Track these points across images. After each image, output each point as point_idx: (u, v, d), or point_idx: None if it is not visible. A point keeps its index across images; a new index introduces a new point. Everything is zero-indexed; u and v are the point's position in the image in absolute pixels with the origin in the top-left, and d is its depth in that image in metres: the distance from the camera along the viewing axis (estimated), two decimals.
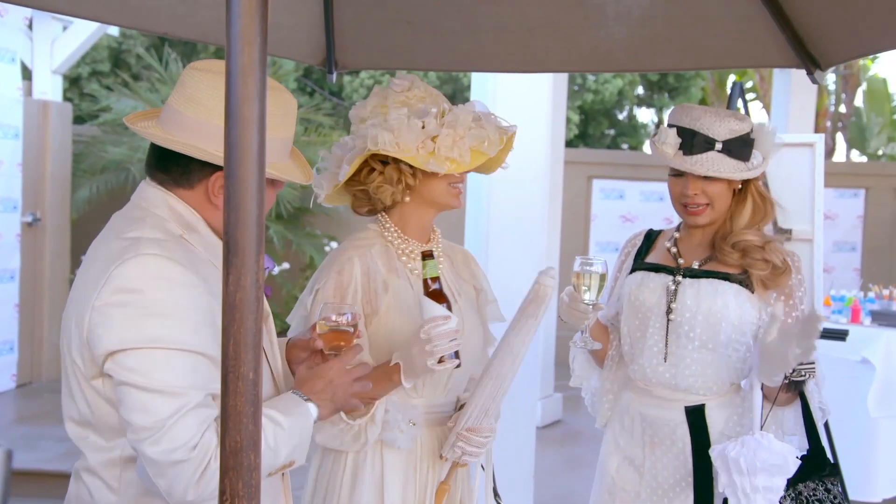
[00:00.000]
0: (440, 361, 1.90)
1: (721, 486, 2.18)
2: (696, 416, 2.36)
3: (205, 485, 1.47)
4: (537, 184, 4.48)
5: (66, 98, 8.54)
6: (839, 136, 14.57)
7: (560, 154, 6.51)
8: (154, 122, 1.66)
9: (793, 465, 2.14)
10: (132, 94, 8.24)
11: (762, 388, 2.25)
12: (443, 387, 2.13)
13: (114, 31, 10.38)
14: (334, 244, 7.95)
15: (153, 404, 1.46)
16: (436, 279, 1.97)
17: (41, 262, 7.24)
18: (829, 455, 2.36)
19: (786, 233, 3.56)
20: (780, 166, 3.29)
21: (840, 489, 2.31)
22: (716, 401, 2.37)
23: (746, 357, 2.35)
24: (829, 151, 13.73)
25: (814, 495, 2.27)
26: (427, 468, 2.12)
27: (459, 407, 2.16)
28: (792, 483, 2.20)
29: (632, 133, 14.59)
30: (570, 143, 12.06)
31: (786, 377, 2.17)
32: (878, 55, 10.88)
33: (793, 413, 2.34)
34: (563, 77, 6.26)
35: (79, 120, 9.74)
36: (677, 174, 2.37)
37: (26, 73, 7.29)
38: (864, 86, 14.20)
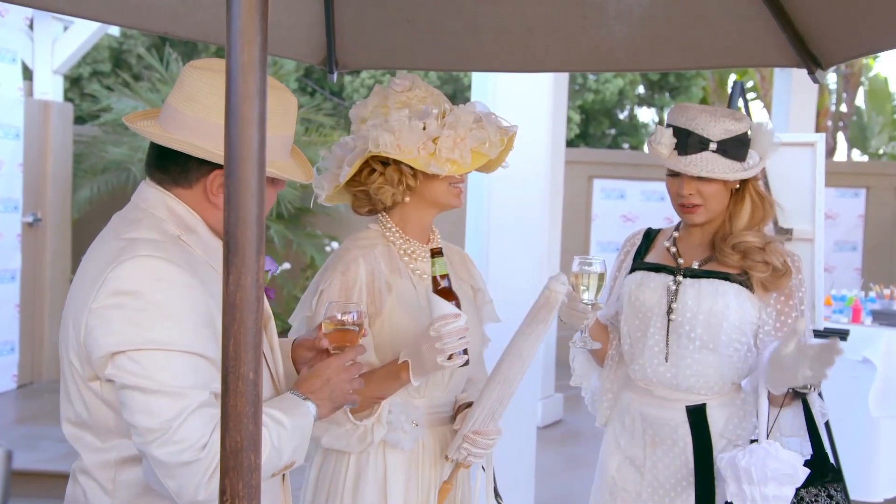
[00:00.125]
0: (449, 359, 1.90)
1: (730, 495, 2.17)
2: (697, 416, 2.36)
3: (215, 484, 1.46)
4: (538, 183, 4.47)
5: (66, 98, 8.54)
6: (840, 136, 14.57)
7: (561, 154, 6.50)
8: (153, 121, 1.66)
9: (802, 474, 2.14)
10: (133, 94, 8.25)
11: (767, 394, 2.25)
12: (444, 386, 2.13)
13: (114, 31, 10.38)
14: (335, 244, 7.95)
15: (157, 406, 1.46)
16: (445, 276, 1.97)
17: (42, 263, 7.24)
18: (830, 457, 2.35)
19: (786, 232, 3.55)
20: (780, 166, 3.28)
21: (842, 495, 2.30)
22: (717, 400, 2.37)
23: (747, 357, 2.35)
24: (830, 151, 13.73)
25: (815, 501, 2.26)
26: (429, 468, 2.12)
27: (459, 407, 2.16)
28: None
29: (632, 133, 14.59)
30: (570, 143, 12.05)
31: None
32: (879, 54, 10.87)
33: (791, 413, 2.34)
34: (564, 77, 6.25)
35: (79, 120, 9.74)
36: (673, 174, 2.37)
37: (27, 74, 7.29)
38: (865, 85, 14.21)
